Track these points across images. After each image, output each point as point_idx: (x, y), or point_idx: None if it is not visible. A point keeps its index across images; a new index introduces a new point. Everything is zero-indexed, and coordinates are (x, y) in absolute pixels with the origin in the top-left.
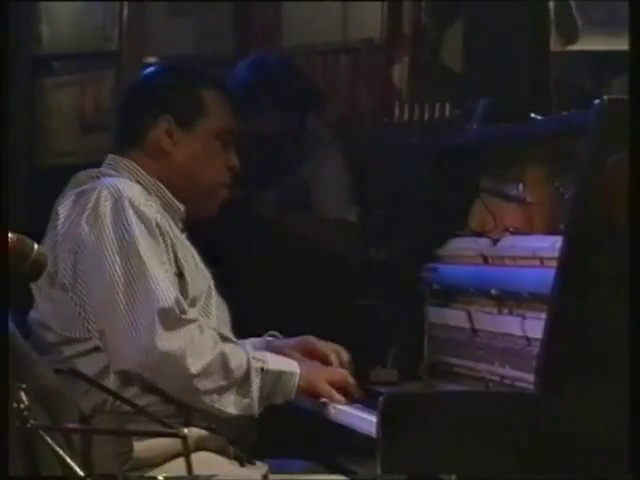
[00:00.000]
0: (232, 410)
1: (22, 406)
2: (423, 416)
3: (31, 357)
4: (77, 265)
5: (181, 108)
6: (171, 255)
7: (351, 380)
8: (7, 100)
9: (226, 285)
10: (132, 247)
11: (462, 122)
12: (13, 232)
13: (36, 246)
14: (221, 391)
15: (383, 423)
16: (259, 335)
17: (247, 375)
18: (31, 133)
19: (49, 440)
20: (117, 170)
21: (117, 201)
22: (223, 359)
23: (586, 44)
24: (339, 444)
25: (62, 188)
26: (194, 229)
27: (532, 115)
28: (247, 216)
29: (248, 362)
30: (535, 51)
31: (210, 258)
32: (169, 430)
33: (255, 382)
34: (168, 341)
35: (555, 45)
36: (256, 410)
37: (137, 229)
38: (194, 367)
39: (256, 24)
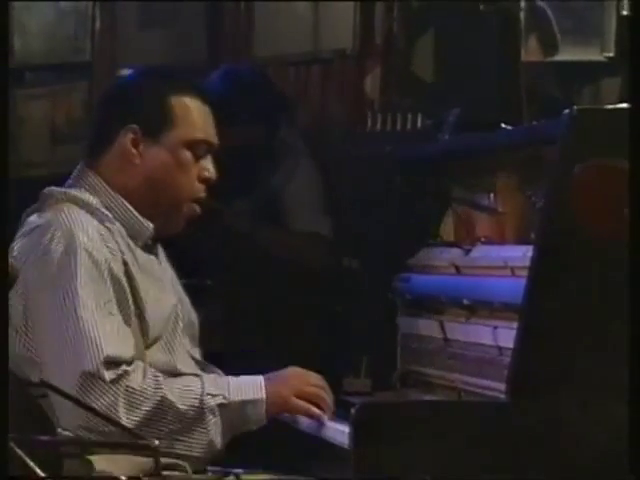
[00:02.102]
0: (194, 453)
1: None
2: (396, 426)
3: None
4: (26, 311)
5: (148, 117)
6: (129, 297)
7: (323, 393)
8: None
9: (197, 298)
10: (72, 302)
11: (434, 132)
12: None
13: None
14: (173, 435)
15: (356, 433)
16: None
17: (201, 414)
18: None
19: (19, 451)
20: (81, 188)
21: (69, 246)
22: (166, 404)
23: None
24: (307, 453)
25: (33, 199)
26: (164, 241)
27: (503, 125)
28: (218, 228)
29: (201, 402)
30: (506, 61)
31: (181, 270)
32: (140, 442)
33: (211, 420)
34: (95, 402)
35: (535, 57)
36: (219, 446)
37: (82, 279)
38: (128, 419)
39: (228, 35)
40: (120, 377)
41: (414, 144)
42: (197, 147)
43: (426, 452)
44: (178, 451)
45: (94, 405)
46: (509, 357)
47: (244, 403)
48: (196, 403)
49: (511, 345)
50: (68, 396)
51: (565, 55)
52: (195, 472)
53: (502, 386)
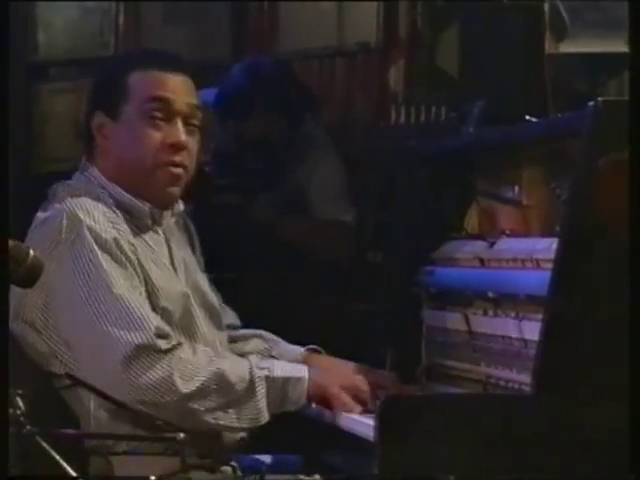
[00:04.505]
0: (242, 424)
1: (18, 412)
2: (421, 419)
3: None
4: (47, 303)
5: (108, 100)
6: (139, 271)
7: (366, 388)
8: (7, 103)
9: (223, 290)
10: (102, 283)
11: (458, 125)
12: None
13: (31, 252)
14: (225, 407)
15: (381, 426)
16: None
17: (251, 385)
18: (28, 140)
19: (45, 445)
20: (84, 183)
21: (79, 232)
22: (221, 375)
23: (581, 46)
24: (334, 446)
25: None
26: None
27: (527, 117)
28: (243, 221)
29: (251, 372)
30: (530, 53)
31: (206, 263)
32: (166, 435)
33: (261, 391)
34: (150, 374)
35: (548, 46)
36: (266, 419)
37: (102, 260)
38: (186, 388)
39: (252, 28)
40: (174, 347)
41: (438, 137)
42: (155, 113)
43: (451, 446)
44: (227, 423)
45: (148, 378)
46: (534, 350)
47: (286, 380)
48: (246, 374)
49: (536, 338)
50: (93, 389)
51: (591, 47)
52: (219, 464)
53: (528, 379)
